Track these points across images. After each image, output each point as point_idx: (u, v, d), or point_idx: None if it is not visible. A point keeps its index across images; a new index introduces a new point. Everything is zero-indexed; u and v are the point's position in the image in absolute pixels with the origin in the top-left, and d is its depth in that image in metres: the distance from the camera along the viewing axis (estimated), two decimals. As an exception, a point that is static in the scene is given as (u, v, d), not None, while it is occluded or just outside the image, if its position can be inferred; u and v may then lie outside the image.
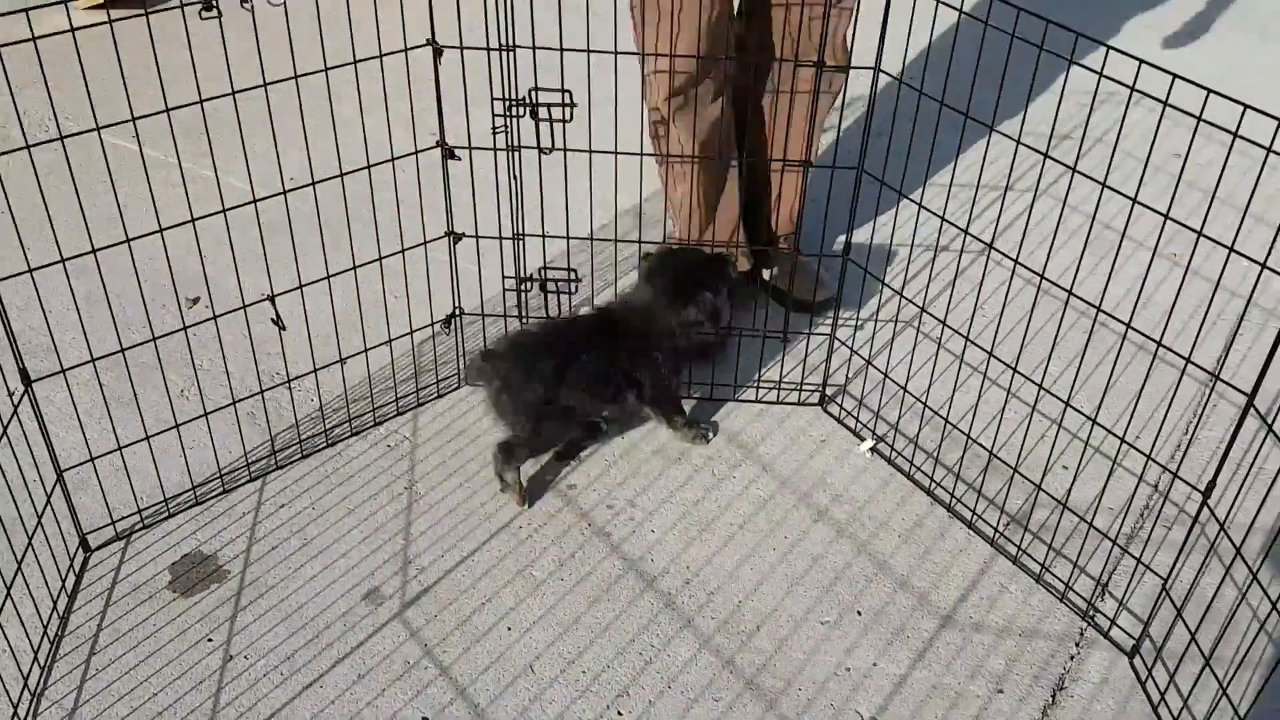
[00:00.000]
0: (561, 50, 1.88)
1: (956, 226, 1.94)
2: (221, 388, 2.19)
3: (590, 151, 2.01)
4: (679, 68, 2.07)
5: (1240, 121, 1.35)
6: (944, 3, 1.73)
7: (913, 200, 1.97)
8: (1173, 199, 1.57)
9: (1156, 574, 1.78)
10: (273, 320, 1.85)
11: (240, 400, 2.03)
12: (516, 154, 2.00)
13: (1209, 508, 1.60)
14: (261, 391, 2.05)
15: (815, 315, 2.38)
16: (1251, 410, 1.49)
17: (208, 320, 1.88)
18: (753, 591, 1.86)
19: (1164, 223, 1.54)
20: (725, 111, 2.21)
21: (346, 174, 1.89)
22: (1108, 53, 1.54)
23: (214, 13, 1.51)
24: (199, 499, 1.99)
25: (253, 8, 1.56)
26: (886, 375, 2.21)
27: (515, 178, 2.03)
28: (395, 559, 1.89)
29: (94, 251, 1.69)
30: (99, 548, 1.91)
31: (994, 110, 1.82)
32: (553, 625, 1.79)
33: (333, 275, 1.97)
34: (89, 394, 2.14)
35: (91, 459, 1.87)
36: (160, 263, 1.83)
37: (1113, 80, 1.55)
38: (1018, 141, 1.75)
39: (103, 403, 2.05)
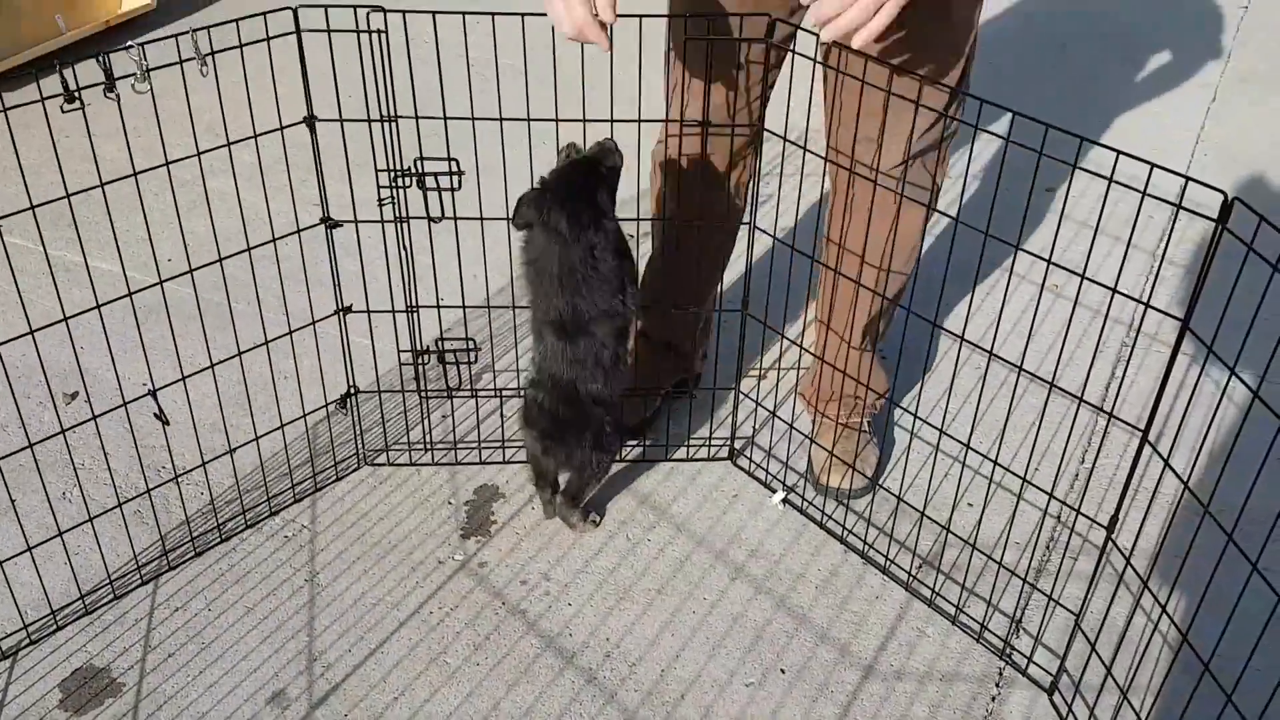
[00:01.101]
0: (445, 119, 1.85)
1: (848, 278, 1.96)
2: (105, 486, 2.08)
3: (482, 219, 1.98)
4: (673, 132, 1.97)
5: (1114, 167, 1.40)
6: (825, 63, 1.76)
7: (804, 254, 1.99)
8: (1055, 239, 1.62)
9: (1067, 609, 1.80)
10: (155, 415, 1.76)
11: (126, 501, 1.92)
12: (405, 225, 1.95)
13: (1113, 542, 1.64)
14: (149, 490, 1.94)
15: (844, 500, 2.13)
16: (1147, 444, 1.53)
17: (87, 421, 1.79)
18: (675, 659, 1.83)
19: (1047, 267, 1.58)
20: (726, 190, 2.05)
21: (226, 258, 1.82)
22: (981, 105, 1.58)
23: (76, 105, 1.44)
24: (88, 608, 1.88)
25: (118, 96, 1.50)
26: (792, 426, 2.21)
27: (405, 249, 1.98)
28: (300, 657, 1.81)
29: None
30: (-22, 670, 1.78)
31: (875, 162, 1.86)
32: (470, 714, 1.73)
33: (217, 363, 1.89)
34: (-40, 504, 2.01)
35: (-34, 576, 1.75)
36: (32, 357, 1.74)
37: (989, 133, 1.60)
38: (900, 194, 1.78)
39: (-25, 512, 1.93)
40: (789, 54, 1.86)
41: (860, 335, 2.09)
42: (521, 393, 1.99)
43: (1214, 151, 3.44)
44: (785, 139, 1.88)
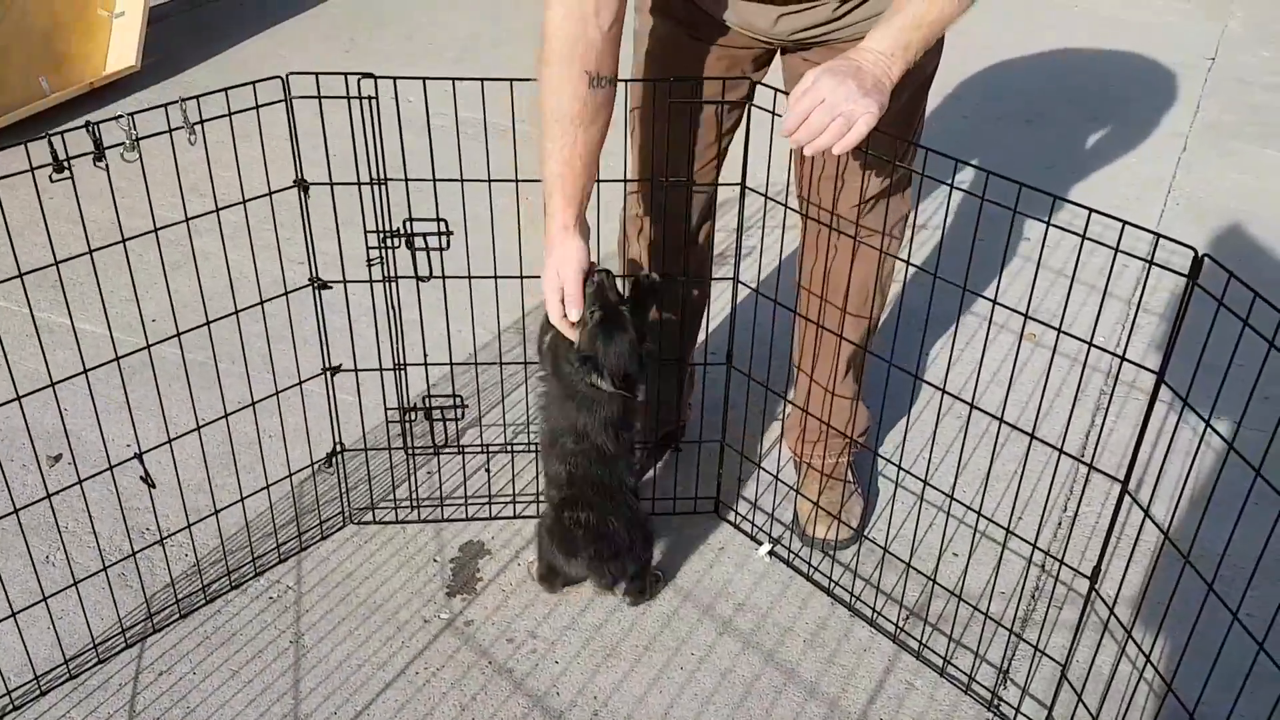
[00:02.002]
0: (434, 181, 1.87)
1: (831, 331, 1.98)
2: (89, 549, 2.07)
3: (470, 277, 2.00)
4: (633, 189, 2.04)
5: (1086, 225, 1.43)
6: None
7: (787, 308, 2.02)
8: (1032, 291, 1.65)
9: (1053, 659, 1.81)
10: (142, 478, 1.76)
11: (111, 565, 1.91)
12: (394, 284, 1.97)
13: (1096, 592, 1.65)
14: (134, 553, 1.93)
15: (829, 551, 2.15)
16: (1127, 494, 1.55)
17: (72, 486, 1.78)
18: (664, 716, 1.82)
19: (1024, 322, 1.61)
20: (656, 237, 2.10)
21: (214, 321, 1.83)
22: (956, 166, 1.62)
23: (65, 175, 1.46)
24: (73, 673, 1.86)
25: (107, 166, 1.51)
26: (777, 477, 2.23)
27: (393, 308, 2.00)
28: (287, 720, 1.80)
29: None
30: (-40, 739, 1.76)
31: (856, 217, 1.89)
32: (460, 774, 1.72)
33: (204, 425, 1.89)
34: (-58, 569, 1.99)
35: (-52, 643, 1.73)
36: (16, 420, 1.73)
37: (963, 190, 1.63)
38: (881, 251, 1.81)
39: (-42, 578, 1.91)
40: (748, 110, 1.91)
41: (836, 377, 2.11)
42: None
43: (1185, 200, 3.51)
44: (766, 195, 1.91)
